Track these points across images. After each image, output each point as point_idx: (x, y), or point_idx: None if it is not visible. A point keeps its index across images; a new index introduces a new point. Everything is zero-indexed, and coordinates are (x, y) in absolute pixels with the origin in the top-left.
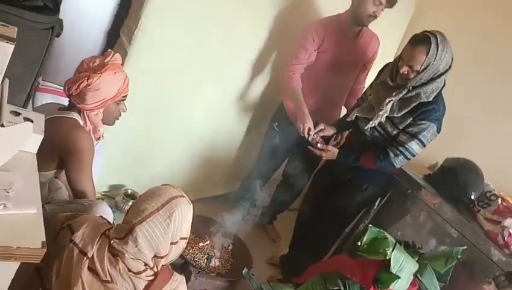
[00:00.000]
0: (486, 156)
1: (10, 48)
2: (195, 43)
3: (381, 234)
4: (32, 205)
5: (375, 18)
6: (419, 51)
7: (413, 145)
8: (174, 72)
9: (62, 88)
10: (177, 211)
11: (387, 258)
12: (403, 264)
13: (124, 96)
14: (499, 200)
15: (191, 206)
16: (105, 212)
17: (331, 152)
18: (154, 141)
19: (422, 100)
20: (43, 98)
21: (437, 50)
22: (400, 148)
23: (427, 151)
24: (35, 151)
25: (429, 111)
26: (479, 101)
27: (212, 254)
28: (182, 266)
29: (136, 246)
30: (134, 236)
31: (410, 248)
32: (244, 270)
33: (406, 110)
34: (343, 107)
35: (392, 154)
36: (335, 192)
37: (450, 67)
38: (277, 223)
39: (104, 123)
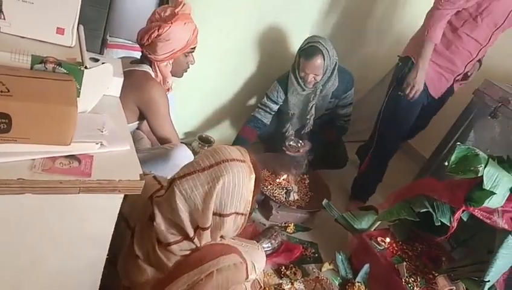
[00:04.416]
0: None
1: None
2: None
3: (470, 151)
4: (125, 142)
5: None
6: (317, 60)
7: (350, 109)
8: (229, 23)
9: (130, 42)
10: (226, 176)
11: (479, 175)
12: (497, 180)
13: (192, 48)
14: None
15: (253, 175)
16: (186, 155)
17: (305, 147)
18: (219, 86)
19: (333, 90)
20: (114, 54)
21: (328, 52)
22: (343, 118)
23: None
24: (118, 95)
25: (343, 88)
26: None
27: (291, 188)
28: (262, 202)
29: (171, 205)
30: (172, 194)
31: (505, 163)
32: (324, 201)
33: (327, 103)
34: None
35: (343, 127)
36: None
37: (337, 57)
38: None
39: (172, 75)
